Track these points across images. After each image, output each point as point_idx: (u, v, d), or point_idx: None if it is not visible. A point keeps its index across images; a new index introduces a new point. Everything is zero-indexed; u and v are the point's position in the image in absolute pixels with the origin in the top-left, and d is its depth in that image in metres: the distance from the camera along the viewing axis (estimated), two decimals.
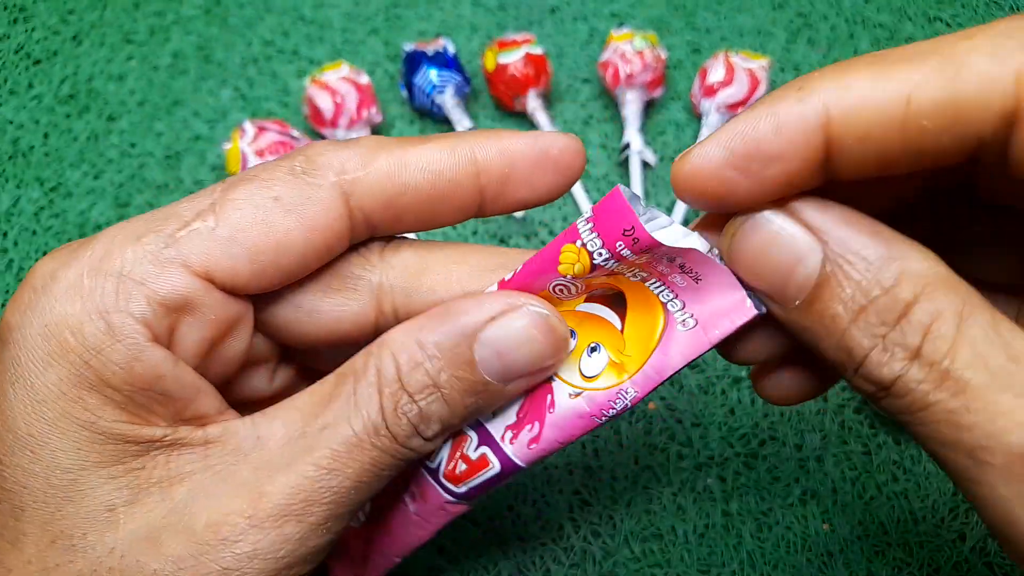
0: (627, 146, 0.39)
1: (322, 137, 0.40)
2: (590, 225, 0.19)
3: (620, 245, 0.18)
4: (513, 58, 0.39)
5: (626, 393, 0.20)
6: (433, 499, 0.23)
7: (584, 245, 0.19)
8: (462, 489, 0.22)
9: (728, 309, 0.19)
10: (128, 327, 0.18)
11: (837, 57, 0.44)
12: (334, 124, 0.39)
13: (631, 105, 0.40)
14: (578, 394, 0.21)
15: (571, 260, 0.19)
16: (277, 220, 0.19)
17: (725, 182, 0.17)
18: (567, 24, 0.45)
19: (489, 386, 0.20)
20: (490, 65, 0.40)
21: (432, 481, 0.22)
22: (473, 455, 0.22)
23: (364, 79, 0.40)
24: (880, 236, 0.16)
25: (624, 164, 0.40)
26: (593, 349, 0.21)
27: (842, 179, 0.17)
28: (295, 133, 0.38)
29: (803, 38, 0.45)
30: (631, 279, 0.20)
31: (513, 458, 0.21)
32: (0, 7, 0.45)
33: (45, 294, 0.18)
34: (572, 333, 0.21)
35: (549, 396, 0.21)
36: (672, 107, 0.42)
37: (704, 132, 0.39)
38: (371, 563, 0.25)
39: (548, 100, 0.42)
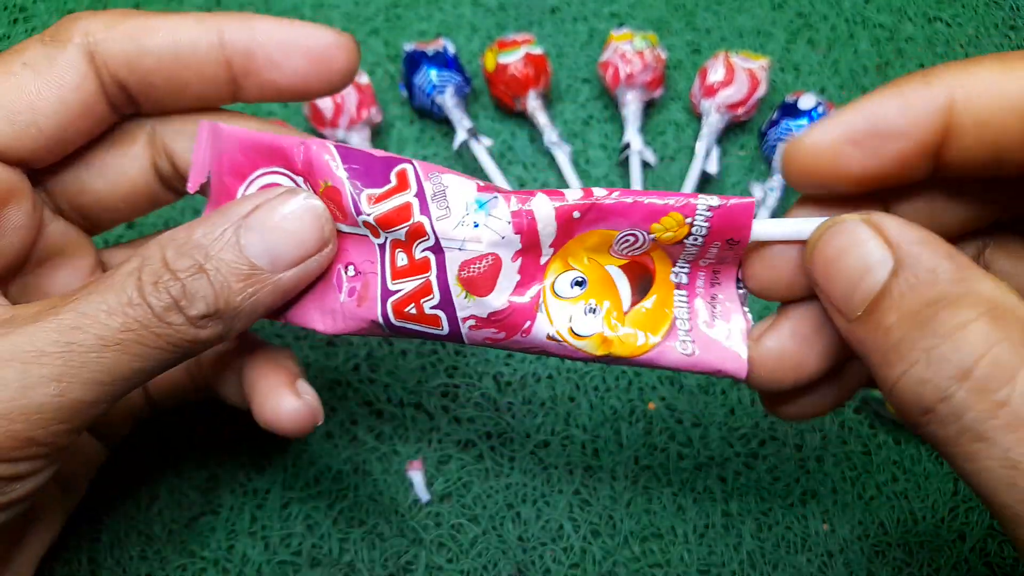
0: (627, 146, 0.39)
1: (323, 137, 0.40)
2: (709, 215, 0.20)
3: (715, 247, 0.21)
4: (513, 58, 0.39)
5: (598, 360, 0.22)
6: (367, 308, 0.22)
7: (691, 225, 0.20)
8: (397, 323, 0.22)
9: (727, 357, 0.22)
10: None
11: (837, 58, 0.44)
12: (334, 124, 0.39)
13: (631, 105, 0.40)
14: (557, 343, 0.22)
15: (669, 227, 0.21)
16: (27, 83, 0.21)
17: (841, 156, 0.18)
18: (567, 24, 0.45)
19: (258, 272, 0.20)
20: (490, 65, 0.40)
21: (380, 295, 0.22)
22: (428, 310, 0.22)
23: (364, 79, 0.40)
24: (954, 259, 0.16)
25: (624, 164, 0.40)
26: (592, 310, 0.22)
27: (951, 174, 0.18)
28: None
29: (803, 38, 0.45)
30: (672, 278, 0.22)
31: (464, 337, 0.22)
32: (0, 7, 0.45)
33: None
34: (584, 281, 0.22)
35: (529, 322, 0.22)
36: (672, 107, 0.42)
37: (704, 132, 0.39)
38: None
39: (548, 100, 0.42)
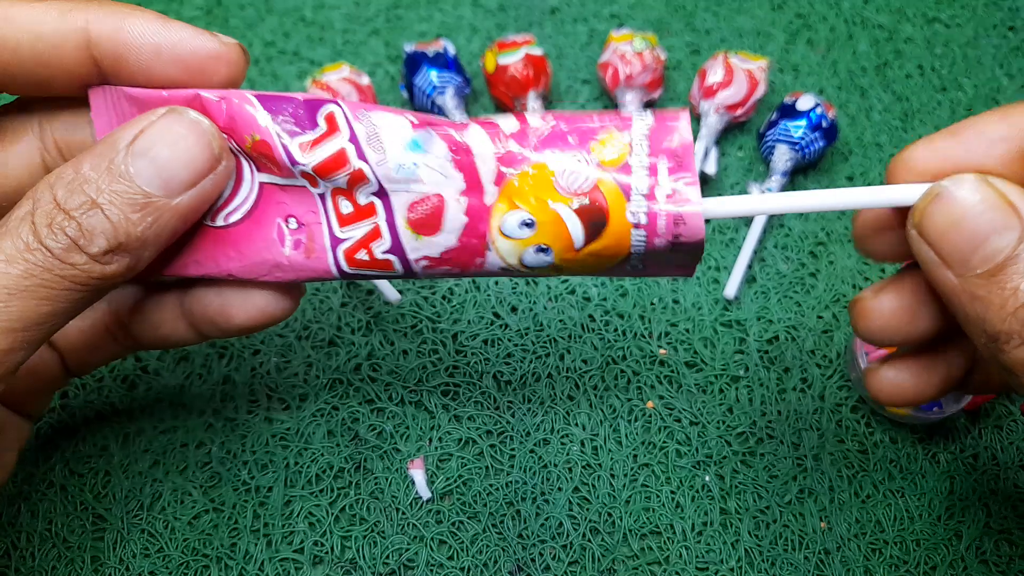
0: None
1: None
2: (648, 124, 0.20)
3: (663, 162, 0.20)
4: (513, 59, 0.40)
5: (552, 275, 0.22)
6: (316, 259, 0.22)
7: (631, 144, 0.20)
8: (351, 270, 0.22)
9: (675, 267, 0.22)
10: None
11: (836, 59, 0.44)
12: None
13: (630, 106, 0.40)
14: (512, 271, 0.22)
15: (607, 141, 0.20)
16: None
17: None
18: (567, 25, 0.45)
19: (153, 199, 0.20)
20: (490, 66, 0.40)
21: (329, 246, 0.22)
22: (379, 255, 0.22)
23: (365, 80, 0.40)
24: None
25: None
26: (542, 249, 0.22)
27: None
28: None
29: (802, 39, 0.45)
30: (630, 218, 0.21)
31: (418, 274, 0.23)
32: None
33: None
34: (532, 223, 0.21)
35: (481, 259, 0.22)
36: (671, 108, 0.42)
37: (703, 133, 0.39)
38: (197, 259, 0.23)
39: (548, 101, 0.42)
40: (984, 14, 0.46)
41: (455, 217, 0.21)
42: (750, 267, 0.38)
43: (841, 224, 0.39)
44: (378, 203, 0.21)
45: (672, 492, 0.33)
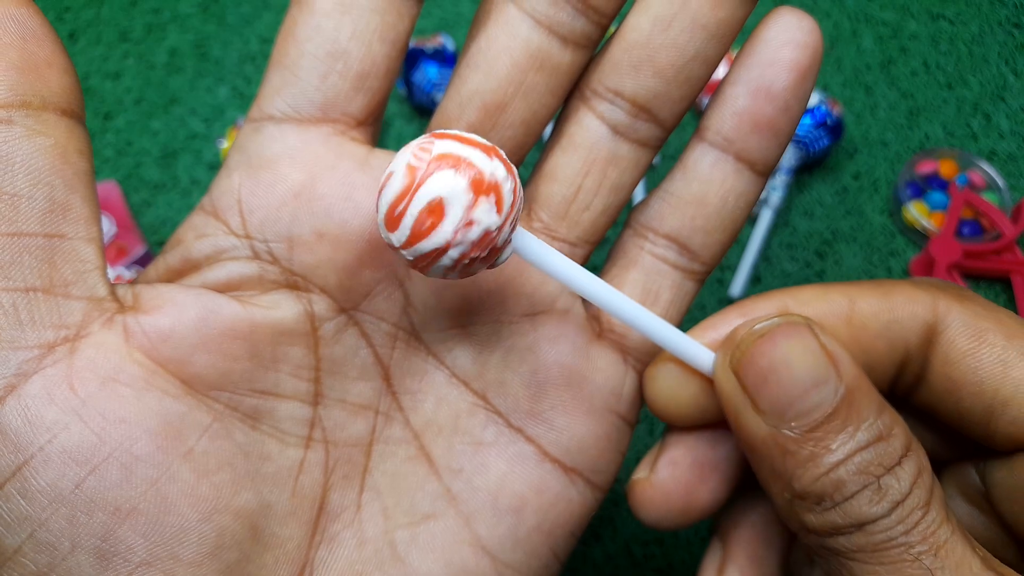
0: None
1: None
2: None
3: None
4: None
5: None
6: None
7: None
8: None
9: None
10: None
11: (840, 55, 0.44)
12: None
13: None
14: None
15: None
16: None
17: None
18: None
19: None
20: None
21: None
22: None
23: None
24: (885, 410, 0.17)
25: None
26: None
27: None
28: None
29: None
30: None
31: None
32: None
33: None
34: None
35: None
36: None
37: None
38: None
39: None
40: (989, 11, 0.46)
41: None
42: (755, 266, 0.37)
43: (847, 224, 0.39)
44: None
45: None
